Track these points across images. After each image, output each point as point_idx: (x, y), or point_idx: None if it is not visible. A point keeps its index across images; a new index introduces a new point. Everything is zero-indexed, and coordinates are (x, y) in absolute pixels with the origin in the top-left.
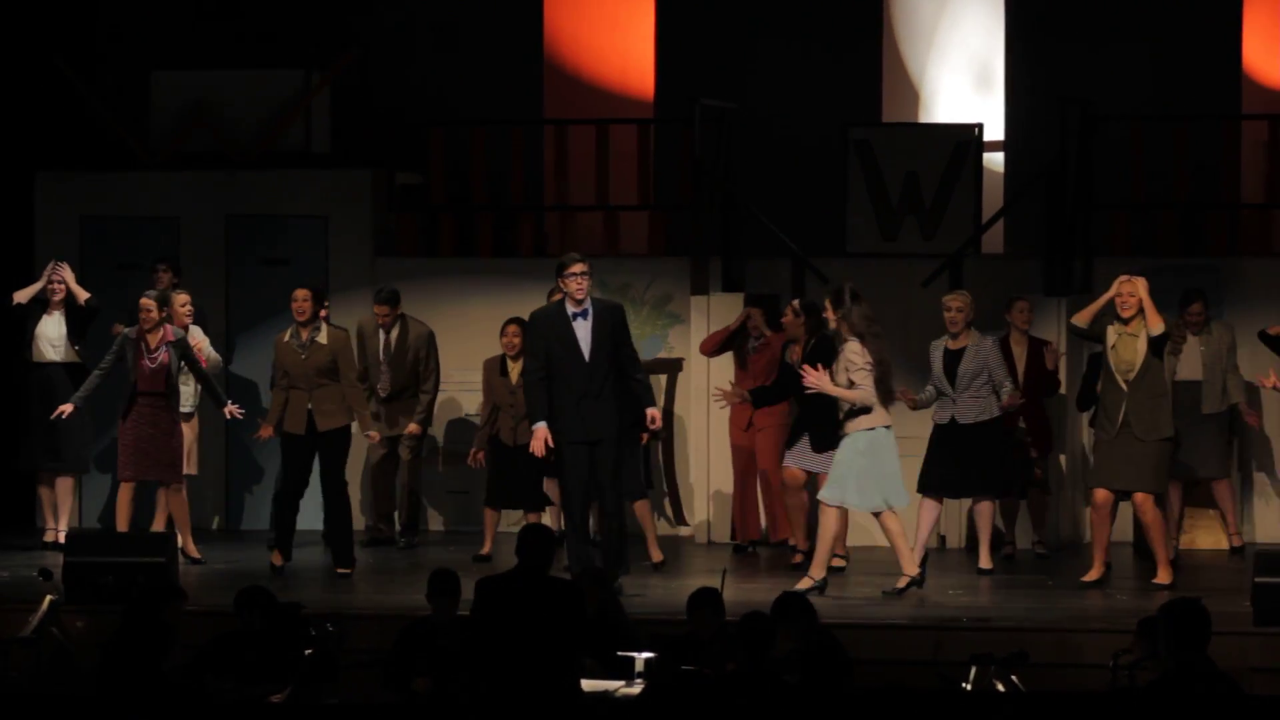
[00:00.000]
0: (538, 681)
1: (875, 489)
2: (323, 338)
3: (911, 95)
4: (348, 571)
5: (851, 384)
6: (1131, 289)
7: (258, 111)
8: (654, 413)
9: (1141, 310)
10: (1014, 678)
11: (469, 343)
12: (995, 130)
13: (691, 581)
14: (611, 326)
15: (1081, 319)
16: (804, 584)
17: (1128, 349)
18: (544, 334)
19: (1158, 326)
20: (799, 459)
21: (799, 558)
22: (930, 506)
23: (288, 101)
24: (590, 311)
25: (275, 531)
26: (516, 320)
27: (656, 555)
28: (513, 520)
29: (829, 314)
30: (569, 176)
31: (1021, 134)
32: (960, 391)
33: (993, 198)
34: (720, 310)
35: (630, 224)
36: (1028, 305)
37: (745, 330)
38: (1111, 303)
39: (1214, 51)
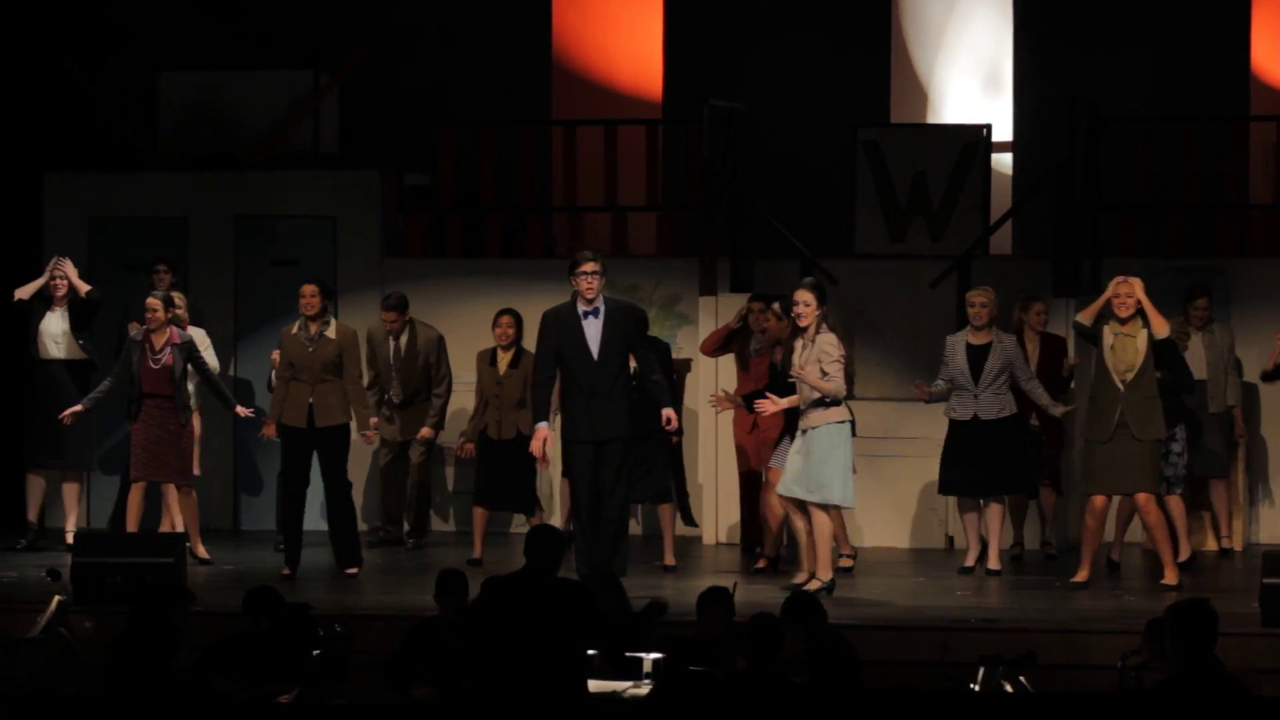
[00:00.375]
0: (544, 682)
1: (844, 482)
2: (331, 333)
3: (920, 96)
4: (354, 571)
5: (824, 375)
6: (1129, 289)
7: (265, 112)
8: (669, 413)
9: (1139, 311)
10: (1022, 679)
11: (477, 343)
12: (1004, 131)
13: (701, 582)
14: (625, 328)
15: (1086, 317)
16: (812, 585)
17: (1126, 350)
18: (554, 332)
19: (1162, 329)
20: (783, 459)
21: (763, 562)
22: (968, 508)
23: (295, 102)
24: (601, 311)
25: (284, 539)
26: (509, 311)
27: (670, 559)
28: (511, 523)
29: (809, 308)
30: (577, 177)
31: (1030, 135)
32: (983, 387)
33: (1001, 199)
34: (728, 311)
35: (638, 225)
36: (1044, 306)
37: (747, 329)
38: (1109, 303)
39: (1221, 53)
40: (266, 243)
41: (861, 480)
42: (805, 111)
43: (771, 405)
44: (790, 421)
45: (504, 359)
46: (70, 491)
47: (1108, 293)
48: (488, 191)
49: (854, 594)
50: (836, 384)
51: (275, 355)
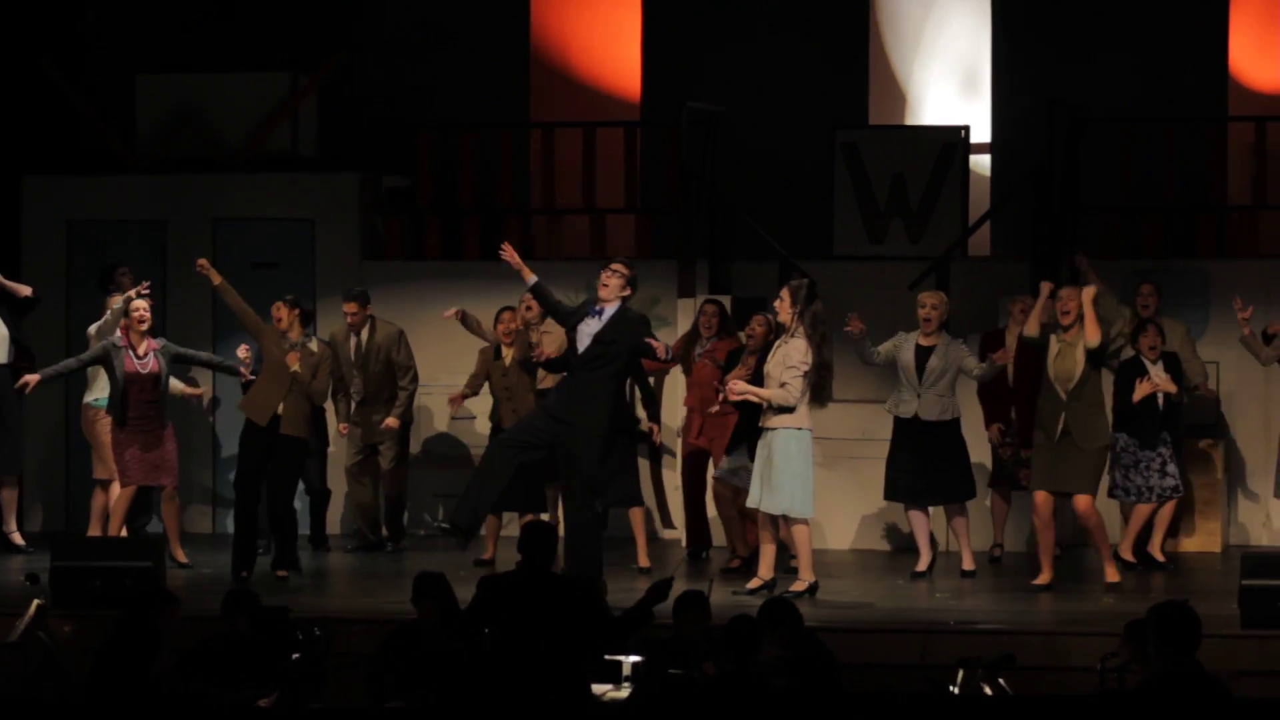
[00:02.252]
0: (544, 683)
1: (802, 492)
2: (314, 346)
3: (898, 98)
4: (284, 574)
5: (782, 382)
6: (1072, 295)
7: (244, 115)
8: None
9: (1080, 319)
10: (1001, 681)
11: (455, 346)
12: (982, 132)
13: (676, 585)
14: (626, 337)
15: (1032, 329)
16: (797, 586)
17: (1068, 359)
18: (579, 312)
19: (1094, 338)
20: (727, 473)
21: (736, 562)
22: (916, 514)
23: (274, 105)
24: (607, 314)
25: (235, 541)
26: (511, 308)
27: (644, 561)
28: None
29: (783, 304)
30: (556, 179)
31: (1008, 136)
32: (926, 387)
33: (980, 200)
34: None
35: (617, 227)
36: (1025, 305)
37: (695, 332)
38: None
39: (1201, 54)
40: (245, 246)
41: (839, 482)
42: (783, 113)
43: (735, 390)
44: (745, 431)
45: (509, 353)
46: (11, 494)
47: (1043, 296)
48: (466, 194)
49: (832, 596)
50: (783, 393)
51: (244, 353)
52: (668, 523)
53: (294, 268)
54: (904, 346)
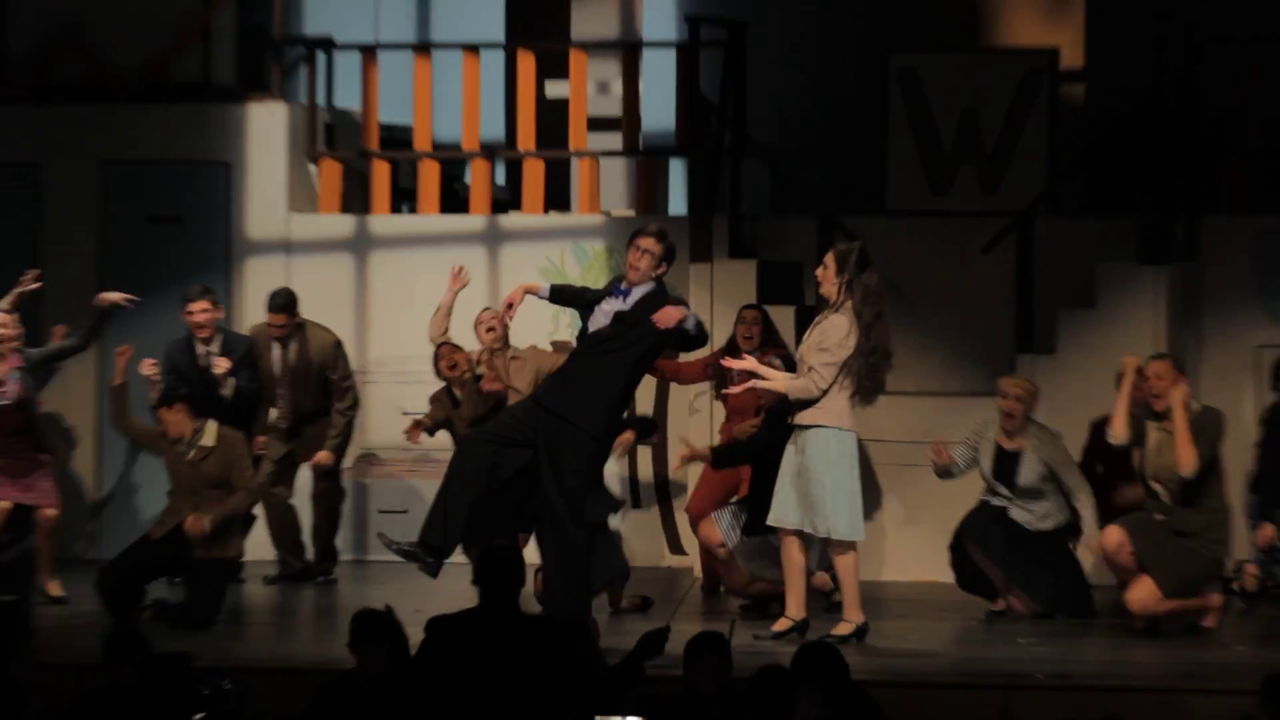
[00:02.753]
0: None
1: (848, 508)
2: (209, 439)
3: (969, 14)
4: None
5: (810, 367)
6: (1161, 375)
7: (143, 33)
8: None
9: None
10: None
11: (405, 320)
12: (1074, 57)
13: (688, 625)
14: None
15: (1120, 429)
16: (841, 629)
17: (1169, 455)
18: (599, 290)
19: (1188, 466)
20: (725, 522)
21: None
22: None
23: (182, 21)
24: (634, 293)
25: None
26: (449, 343)
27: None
28: None
29: (829, 274)
30: (536, 114)
31: (1107, 62)
32: (1017, 499)
33: (1071, 142)
34: (728, 282)
35: (613, 173)
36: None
37: (733, 347)
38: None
39: None
40: (142, 195)
41: (894, 496)
42: (825, 32)
43: (740, 363)
44: (762, 484)
45: (463, 396)
46: None
47: (1128, 379)
48: (422, 132)
49: (885, 642)
50: (803, 383)
51: (149, 369)
52: (677, 548)
53: (203, 223)
54: (984, 450)
